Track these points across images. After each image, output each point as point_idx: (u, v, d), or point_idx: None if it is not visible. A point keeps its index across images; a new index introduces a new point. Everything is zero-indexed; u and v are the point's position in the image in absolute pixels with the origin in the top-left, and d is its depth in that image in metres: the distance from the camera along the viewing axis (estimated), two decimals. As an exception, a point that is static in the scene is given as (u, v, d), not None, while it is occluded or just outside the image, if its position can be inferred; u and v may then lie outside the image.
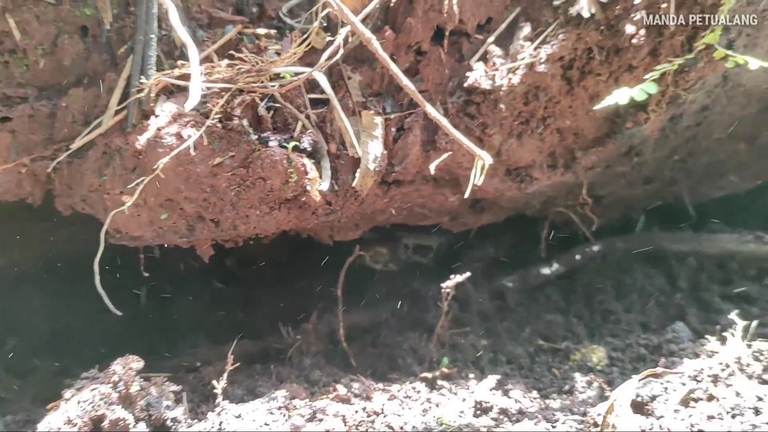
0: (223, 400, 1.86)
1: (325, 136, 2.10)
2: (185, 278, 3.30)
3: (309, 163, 2.01)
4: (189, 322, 3.16)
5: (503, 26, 2.26)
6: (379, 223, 2.58)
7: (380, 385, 2.22)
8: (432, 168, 2.15)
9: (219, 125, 1.95)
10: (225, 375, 1.88)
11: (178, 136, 1.89)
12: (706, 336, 2.34)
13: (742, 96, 2.67)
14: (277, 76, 2.00)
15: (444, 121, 1.91)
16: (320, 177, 2.06)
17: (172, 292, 3.27)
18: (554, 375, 2.34)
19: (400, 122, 2.19)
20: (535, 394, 2.20)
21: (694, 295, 3.00)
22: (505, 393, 2.17)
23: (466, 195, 2.05)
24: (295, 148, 2.00)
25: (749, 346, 2.17)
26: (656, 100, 2.31)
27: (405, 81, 1.85)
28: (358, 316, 3.01)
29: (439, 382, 2.24)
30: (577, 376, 2.23)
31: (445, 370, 2.27)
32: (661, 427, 1.66)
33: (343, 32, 1.93)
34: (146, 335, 2.94)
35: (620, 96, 2.08)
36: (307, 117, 2.06)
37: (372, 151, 2.10)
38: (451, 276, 2.27)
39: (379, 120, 2.11)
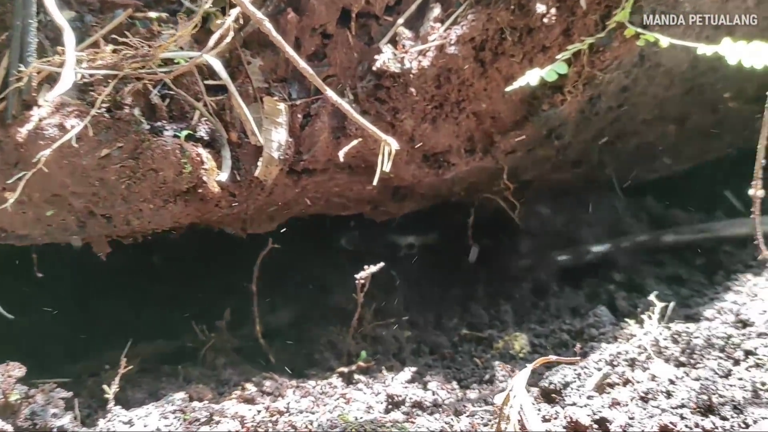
0: (116, 405, 1.76)
1: (225, 125, 2.00)
2: (108, 276, 3.17)
3: (205, 153, 1.91)
4: (109, 322, 3.03)
5: (413, 7, 2.18)
6: (295, 214, 2.49)
7: (294, 382, 2.14)
8: (341, 155, 2.07)
9: (107, 115, 1.83)
10: (117, 379, 1.78)
11: (61, 127, 1.77)
12: (626, 319, 2.32)
13: (664, 76, 2.64)
14: (170, 62, 1.89)
15: (346, 106, 1.83)
16: (220, 167, 1.96)
17: (95, 291, 3.14)
18: (476, 364, 2.29)
19: (307, 108, 2.10)
20: (454, 384, 2.14)
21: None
22: (424, 385, 2.12)
23: (375, 182, 1.97)
24: (190, 137, 1.90)
25: (668, 328, 2.15)
26: (572, 81, 2.27)
27: (302, 64, 1.76)
28: (285, 311, 2.93)
29: (356, 376, 2.17)
30: (497, 365, 2.18)
31: (362, 363, 2.20)
32: (565, 416, 1.62)
33: (233, 14, 1.83)
34: (64, 337, 2.81)
35: (531, 77, 2.03)
36: (205, 104, 1.96)
37: (275, 138, 2.00)
38: (365, 267, 2.20)
39: (282, 106, 2.02)
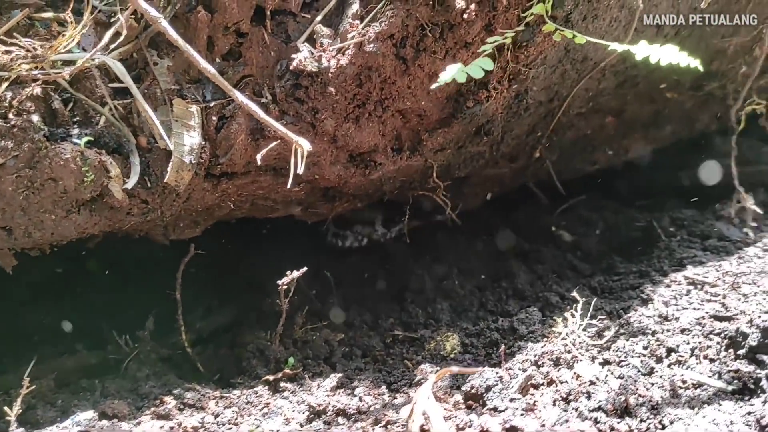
0: (20, 427, 1.68)
1: (133, 129, 1.92)
2: (45, 283, 3.05)
3: (110, 160, 1.83)
4: (42, 331, 2.92)
5: (332, 4, 2.12)
6: (220, 218, 2.42)
7: (218, 393, 2.08)
8: (259, 158, 2.01)
9: (1, 122, 1.73)
10: (20, 399, 1.69)
11: (-51, 135, 1.67)
12: (554, 317, 2.31)
13: (594, 69, 2.63)
14: (71, 64, 1.80)
15: (254, 107, 1.77)
16: (128, 174, 1.88)
17: (30, 299, 3.02)
18: (407, 367, 2.25)
19: (222, 110, 2.03)
20: (383, 388, 2.10)
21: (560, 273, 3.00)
22: (351, 390, 2.08)
23: (289, 185, 1.92)
24: (93, 144, 1.81)
25: (592, 325, 2.14)
26: (497, 77, 2.23)
27: (203, 64, 1.69)
28: (221, 316, 2.86)
29: (283, 384, 2.12)
30: (427, 367, 2.15)
31: (288, 371, 2.14)
32: (478, 425, 1.59)
33: (126, 12, 1.74)
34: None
35: (455, 73, 1.98)
36: (110, 109, 1.87)
37: (187, 142, 1.93)
38: (287, 272, 2.14)
39: (194, 108, 1.94)
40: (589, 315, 2.24)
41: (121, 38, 1.74)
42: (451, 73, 1.96)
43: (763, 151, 4.10)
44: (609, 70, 2.73)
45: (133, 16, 1.87)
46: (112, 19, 1.90)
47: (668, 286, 2.50)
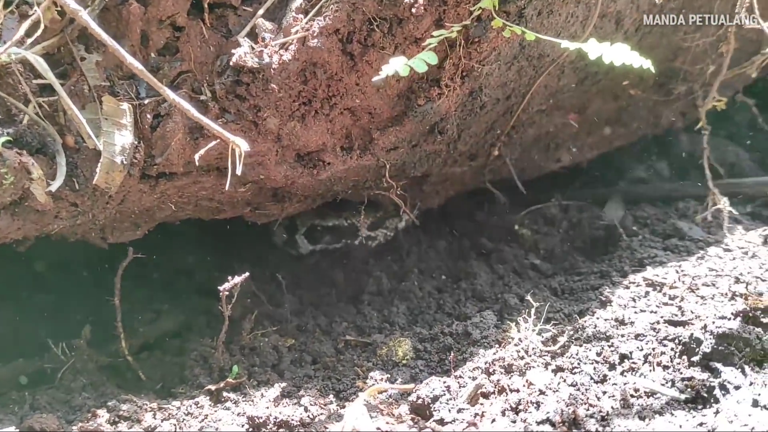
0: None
1: (59, 128, 1.81)
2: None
3: (32, 161, 1.72)
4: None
5: (275, -4, 2.02)
6: (162, 219, 2.31)
7: (156, 404, 1.98)
8: (197, 158, 1.90)
9: None
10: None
11: None
12: (511, 321, 2.24)
13: (552, 66, 2.56)
14: (-11, 59, 1.68)
15: (185, 104, 1.67)
16: (54, 176, 1.77)
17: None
18: (356, 374, 2.17)
19: (158, 107, 1.93)
20: (331, 397, 2.02)
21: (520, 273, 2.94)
22: (298, 400, 1.99)
23: (227, 187, 1.82)
24: (14, 143, 1.70)
25: (544, 330, 2.08)
26: (449, 73, 2.15)
27: (129, 59, 1.59)
28: (169, 320, 2.75)
29: (225, 394, 2.03)
30: (377, 374, 2.07)
31: (230, 380, 2.05)
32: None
33: (44, 3, 1.63)
34: None
35: (397, 66, 1.89)
36: (34, 107, 1.76)
37: (118, 142, 1.82)
38: (229, 278, 2.04)
39: (126, 106, 1.83)
40: (544, 318, 2.18)
41: (39, 31, 1.62)
42: (394, 66, 1.88)
43: (729, 150, 4.09)
44: (568, 67, 2.66)
45: (57, 8, 1.76)
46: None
47: (627, 287, 2.45)
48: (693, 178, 3.84)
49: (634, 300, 2.29)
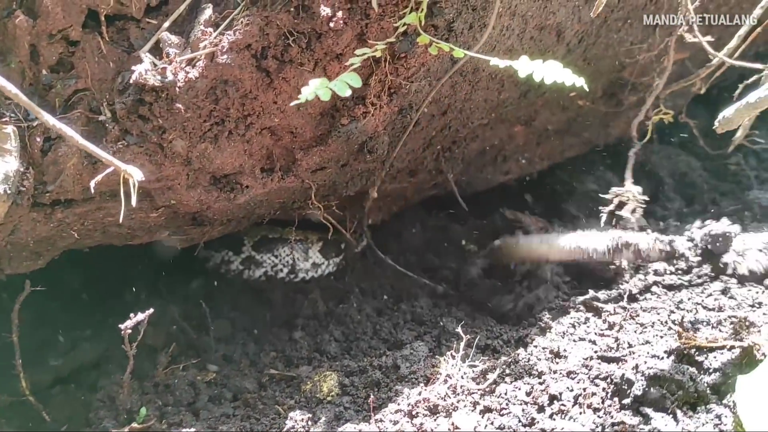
0: None
1: (-69, 154, 1.63)
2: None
3: None
4: None
5: (182, 8, 1.87)
6: (67, 247, 2.13)
7: (51, 454, 1.81)
8: (92, 185, 1.73)
9: None
10: None
11: None
12: (437, 356, 2.12)
13: (490, 80, 2.44)
14: None
15: (66, 129, 1.50)
16: (-77, 208, 1.59)
17: None
18: (278, 413, 2.03)
19: (48, 130, 1.75)
20: (249, 441, 1.88)
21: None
22: (211, 445, 1.84)
23: (121, 219, 1.66)
24: None
25: (472, 366, 1.96)
26: (375, 91, 2.02)
27: (1, 81, 1.41)
28: (88, 351, 2.56)
29: (130, 441, 1.86)
30: (298, 414, 1.92)
31: (136, 425, 1.89)
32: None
33: None
34: None
35: (317, 89, 1.75)
36: None
37: (1, 169, 1.65)
38: (134, 314, 1.88)
39: (10, 129, 1.66)
40: (482, 346, 2.07)
41: None
42: (313, 88, 1.74)
43: (681, 159, 4.03)
44: (508, 81, 2.55)
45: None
46: None
47: (568, 312, 2.34)
48: (643, 187, 3.78)
49: (573, 326, 2.19)
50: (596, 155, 3.98)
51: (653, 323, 2.06)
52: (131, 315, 1.85)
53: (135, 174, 1.56)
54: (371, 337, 2.53)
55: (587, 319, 2.24)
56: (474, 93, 2.42)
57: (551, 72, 1.76)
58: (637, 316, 2.14)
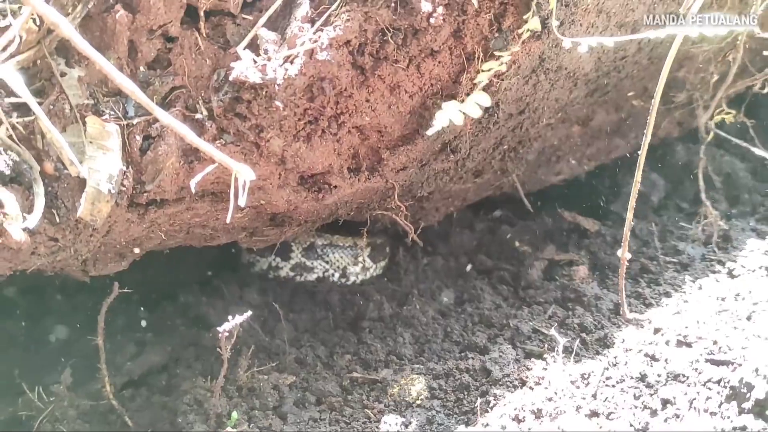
0: None
1: (36, 153, 1.59)
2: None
3: (6, 194, 1.49)
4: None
5: (278, 3, 1.83)
6: (151, 248, 2.10)
7: (144, 460, 1.77)
8: (193, 185, 1.69)
9: None
10: None
11: None
12: (532, 358, 2.08)
13: (567, 79, 2.41)
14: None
15: (181, 128, 1.46)
16: (30, 209, 1.55)
17: None
18: (367, 417, 1.99)
19: (148, 128, 1.72)
20: (342, 445, 1.84)
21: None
22: (305, 449, 1.80)
23: (228, 219, 1.62)
24: (-16, 174, 1.48)
25: (575, 368, 1.92)
26: (467, 89, 1.99)
27: (119, 78, 1.38)
28: (155, 354, 2.52)
29: (224, 445, 1.82)
30: (391, 419, 1.89)
31: (230, 429, 1.85)
32: None
33: (24, 15, 1.41)
34: None
35: (451, 114, 1.77)
36: (6, 129, 1.54)
37: (104, 168, 1.61)
38: (228, 313, 1.84)
39: (113, 127, 1.62)
40: (573, 355, 2.03)
41: (15, 45, 1.40)
42: (449, 115, 1.74)
43: (724, 159, 4.00)
44: (582, 80, 2.52)
45: (33, 17, 1.54)
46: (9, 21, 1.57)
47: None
48: (687, 188, 3.76)
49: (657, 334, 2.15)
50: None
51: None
52: (229, 318, 1.79)
53: (247, 174, 1.52)
54: (443, 340, 2.49)
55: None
56: (551, 92, 2.39)
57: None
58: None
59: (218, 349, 2.30)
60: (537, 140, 2.90)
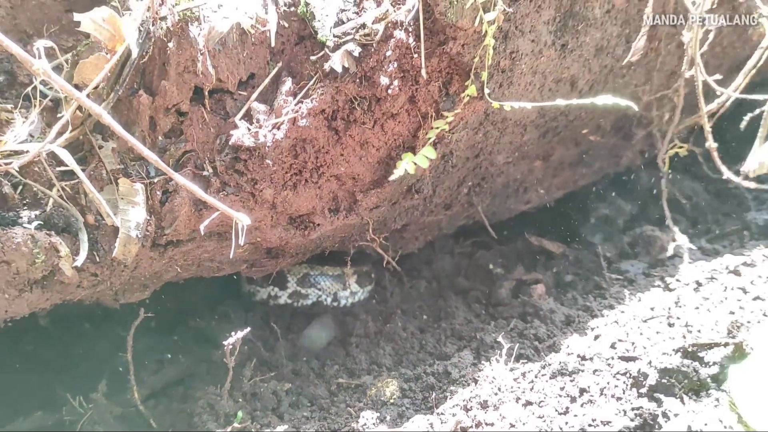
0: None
1: (81, 208, 2.05)
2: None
3: (59, 240, 1.95)
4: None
5: (266, 82, 2.29)
6: (168, 280, 2.55)
7: (169, 450, 2.20)
8: (202, 228, 2.15)
9: (-46, 209, 1.85)
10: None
11: None
12: (483, 362, 2.50)
13: (515, 126, 2.86)
14: (20, 152, 1.93)
15: (191, 186, 1.92)
16: (77, 252, 2.00)
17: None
18: (350, 414, 2.41)
19: (166, 185, 2.17)
20: (328, 437, 2.26)
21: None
22: (298, 441, 2.22)
23: (232, 254, 2.07)
24: (43, 226, 1.94)
25: (515, 368, 2.33)
26: (423, 142, 2.43)
27: (146, 152, 1.84)
28: (172, 370, 2.96)
29: (232, 438, 2.25)
30: (368, 414, 2.30)
31: (236, 425, 2.28)
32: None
33: (72, 107, 1.88)
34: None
35: (407, 166, 2.22)
36: (59, 191, 2.00)
37: (133, 218, 2.07)
38: (233, 332, 2.28)
39: (139, 186, 2.08)
40: (514, 357, 2.44)
41: (69, 129, 1.86)
42: (404, 167, 2.19)
43: (685, 183, 4.40)
44: (530, 125, 2.96)
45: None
46: (59, 108, 2.04)
47: (585, 333, 2.71)
48: (652, 212, 4.16)
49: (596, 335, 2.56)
50: (607, 183, 4.37)
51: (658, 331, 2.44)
52: (231, 334, 2.23)
53: (244, 219, 1.97)
54: (419, 351, 2.91)
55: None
56: (502, 137, 2.83)
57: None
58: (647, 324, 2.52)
59: (224, 361, 2.76)
60: (500, 176, 3.34)
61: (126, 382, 2.64)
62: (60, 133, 1.97)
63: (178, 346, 3.20)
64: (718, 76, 2.99)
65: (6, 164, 1.82)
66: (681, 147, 3.67)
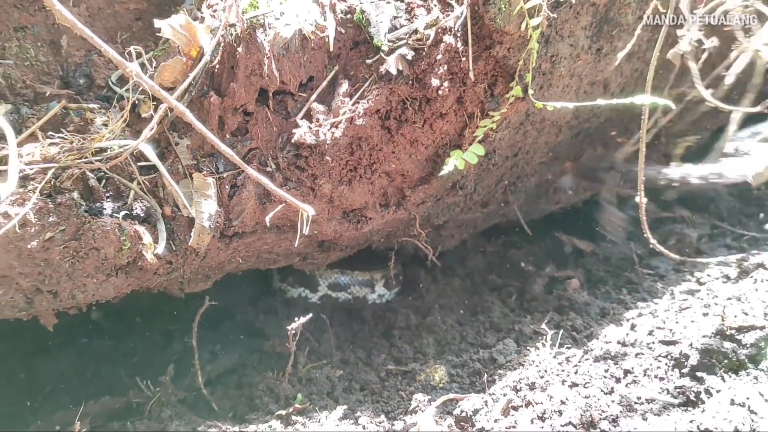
0: (72, 466, 1.93)
1: (159, 201, 2.21)
2: (50, 333, 3.28)
3: (142, 229, 2.11)
4: (54, 380, 3.14)
5: (324, 84, 2.45)
6: (229, 271, 2.70)
7: (236, 428, 2.34)
8: (268, 220, 2.30)
9: (48, 201, 2.01)
10: (71, 442, 1.94)
11: (5, 215, 1.94)
12: (528, 347, 2.63)
13: (551, 127, 3.00)
14: (102, 150, 2.10)
15: (265, 181, 2.07)
16: (156, 240, 2.16)
17: (37, 350, 3.24)
18: (401, 397, 2.55)
19: (234, 179, 2.33)
20: (382, 417, 2.39)
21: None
22: (355, 420, 2.36)
23: (296, 243, 2.22)
24: (128, 216, 2.10)
25: (559, 353, 2.47)
26: (469, 140, 2.58)
27: (223, 147, 1.99)
28: (226, 359, 3.11)
29: (294, 417, 2.39)
30: (420, 396, 2.44)
31: (297, 405, 2.42)
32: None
33: (160, 109, 2.04)
34: (8, 402, 2.91)
35: (456, 162, 2.36)
36: (139, 184, 2.16)
37: (206, 210, 2.23)
38: (296, 318, 2.43)
39: (211, 180, 2.24)
40: (558, 344, 2.57)
41: (153, 130, 2.02)
42: (453, 162, 2.34)
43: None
44: (565, 126, 3.11)
45: (154, 104, 2.19)
46: (135, 108, 2.21)
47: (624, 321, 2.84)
48: (674, 211, 4.28)
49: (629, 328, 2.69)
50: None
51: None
52: (296, 319, 2.38)
53: (309, 210, 2.13)
54: (460, 342, 3.05)
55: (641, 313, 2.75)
56: (539, 137, 2.98)
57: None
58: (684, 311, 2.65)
59: (280, 351, 2.91)
60: (534, 176, 3.48)
61: (182, 369, 2.80)
62: (138, 132, 2.14)
63: (227, 339, 3.35)
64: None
65: (97, 161, 1.98)
66: (690, 144, 3.82)
